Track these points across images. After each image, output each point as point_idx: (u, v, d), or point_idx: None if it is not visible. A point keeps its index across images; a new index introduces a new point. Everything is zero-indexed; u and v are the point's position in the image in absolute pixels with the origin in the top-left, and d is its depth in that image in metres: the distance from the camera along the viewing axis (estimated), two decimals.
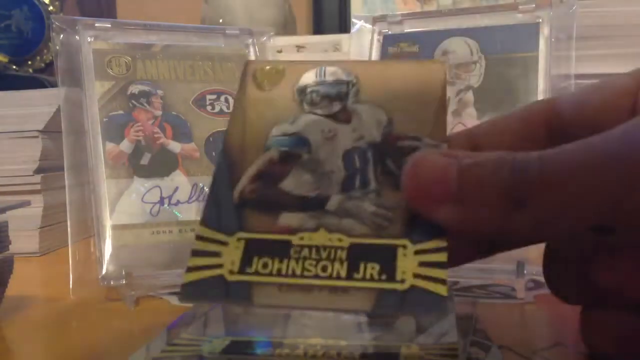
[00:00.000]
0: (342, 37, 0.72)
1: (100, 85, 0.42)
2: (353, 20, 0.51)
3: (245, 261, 0.21)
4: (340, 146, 0.25)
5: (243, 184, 0.24)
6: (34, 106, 0.55)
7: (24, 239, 0.50)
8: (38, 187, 0.53)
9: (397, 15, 0.48)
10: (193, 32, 0.48)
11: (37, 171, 0.53)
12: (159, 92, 0.44)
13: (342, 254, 0.21)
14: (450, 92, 0.42)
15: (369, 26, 0.49)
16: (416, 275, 0.20)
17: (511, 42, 0.41)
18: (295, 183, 0.24)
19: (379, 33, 0.49)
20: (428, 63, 0.29)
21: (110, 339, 0.31)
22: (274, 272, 0.21)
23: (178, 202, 0.41)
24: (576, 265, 0.24)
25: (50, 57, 0.83)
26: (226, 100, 0.46)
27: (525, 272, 0.35)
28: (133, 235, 0.39)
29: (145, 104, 0.43)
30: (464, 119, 0.41)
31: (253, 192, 0.23)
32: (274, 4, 0.86)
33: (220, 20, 0.83)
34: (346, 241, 0.22)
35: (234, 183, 0.24)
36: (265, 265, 0.21)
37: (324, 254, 0.21)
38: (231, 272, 0.21)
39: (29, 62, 0.85)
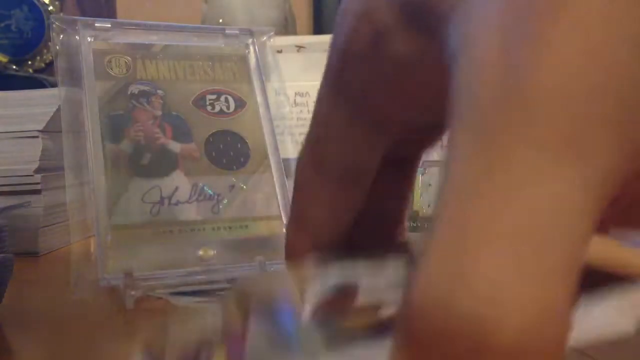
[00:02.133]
0: None
1: (100, 85, 0.42)
2: None
3: None
4: None
5: None
6: (34, 106, 0.55)
7: (24, 239, 0.50)
8: (38, 187, 0.53)
9: None
10: (193, 32, 0.48)
11: (37, 171, 0.53)
12: (159, 92, 0.44)
13: None
14: None
15: None
16: None
17: None
18: None
19: None
20: None
21: (110, 339, 0.31)
22: None
23: (178, 202, 0.41)
24: None
25: (50, 57, 0.83)
26: (226, 100, 0.46)
27: None
28: (133, 235, 0.39)
29: (145, 104, 0.43)
30: None
31: None
32: (274, 4, 0.86)
33: (220, 20, 0.83)
34: None
35: None
36: None
37: None
38: None
39: (29, 62, 0.85)
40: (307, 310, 0.16)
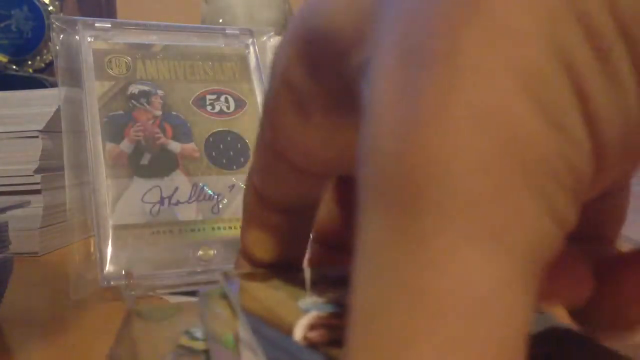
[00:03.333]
0: None
1: (100, 85, 0.42)
2: None
3: None
4: None
5: None
6: (34, 106, 0.55)
7: (24, 239, 0.50)
8: (38, 187, 0.53)
9: None
10: (193, 32, 0.48)
11: (37, 171, 0.53)
12: (159, 92, 0.44)
13: None
14: None
15: None
16: None
17: None
18: None
19: None
20: None
21: (110, 339, 0.31)
22: None
23: (178, 202, 0.41)
24: None
25: (50, 57, 0.83)
26: (226, 100, 0.46)
27: None
28: (133, 235, 0.39)
29: (145, 104, 0.43)
30: None
31: None
32: (274, 4, 0.86)
33: (220, 20, 0.83)
34: None
35: None
36: None
37: None
38: None
39: (29, 62, 0.85)
40: (297, 332, 0.15)
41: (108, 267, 0.37)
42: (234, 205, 0.42)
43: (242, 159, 0.44)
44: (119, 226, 0.39)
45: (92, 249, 0.38)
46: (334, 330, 0.16)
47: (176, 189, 0.41)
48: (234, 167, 0.44)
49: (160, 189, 0.41)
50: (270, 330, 0.16)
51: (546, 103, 0.10)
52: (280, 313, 0.17)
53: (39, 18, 0.85)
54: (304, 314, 0.16)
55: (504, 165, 0.10)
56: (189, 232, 0.40)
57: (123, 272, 0.37)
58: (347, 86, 0.13)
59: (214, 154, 0.43)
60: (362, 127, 0.11)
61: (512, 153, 0.09)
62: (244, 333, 0.16)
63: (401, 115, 0.10)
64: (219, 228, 0.41)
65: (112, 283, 0.37)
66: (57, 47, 0.42)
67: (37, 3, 0.85)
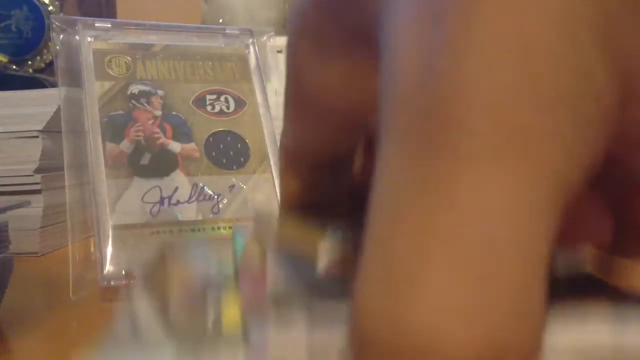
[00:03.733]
0: None
1: (100, 85, 0.42)
2: None
3: None
4: None
5: None
6: (34, 106, 0.55)
7: (24, 239, 0.50)
8: (38, 187, 0.53)
9: None
10: (193, 32, 0.48)
11: (37, 171, 0.53)
12: (159, 92, 0.44)
13: None
14: None
15: None
16: None
17: None
18: None
19: None
20: None
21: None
22: None
23: (178, 202, 0.41)
24: None
25: (50, 57, 0.83)
26: (226, 100, 0.46)
27: None
28: (133, 235, 0.39)
29: (145, 104, 0.43)
30: None
31: None
32: (274, 4, 0.86)
33: (220, 20, 0.83)
34: None
35: None
36: None
37: None
38: None
39: (29, 62, 0.85)
40: (321, 265, 0.16)
41: (108, 267, 0.37)
42: (234, 205, 0.42)
43: (242, 159, 0.44)
44: (119, 226, 0.39)
45: (92, 249, 0.38)
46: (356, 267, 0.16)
47: (176, 189, 0.41)
48: (234, 167, 0.44)
49: (160, 189, 0.41)
50: (296, 261, 0.16)
51: (574, 36, 0.10)
52: (307, 250, 0.17)
53: (39, 18, 0.85)
54: (330, 251, 0.17)
55: (531, 91, 0.09)
56: (189, 232, 0.40)
57: (123, 272, 0.37)
58: (364, 23, 0.13)
59: (214, 154, 0.43)
60: (383, 60, 0.11)
61: (541, 78, 0.09)
62: (271, 262, 0.16)
63: (425, 46, 0.10)
64: (219, 228, 0.41)
65: (112, 283, 0.37)
66: (57, 47, 0.42)
67: (37, 3, 0.85)
